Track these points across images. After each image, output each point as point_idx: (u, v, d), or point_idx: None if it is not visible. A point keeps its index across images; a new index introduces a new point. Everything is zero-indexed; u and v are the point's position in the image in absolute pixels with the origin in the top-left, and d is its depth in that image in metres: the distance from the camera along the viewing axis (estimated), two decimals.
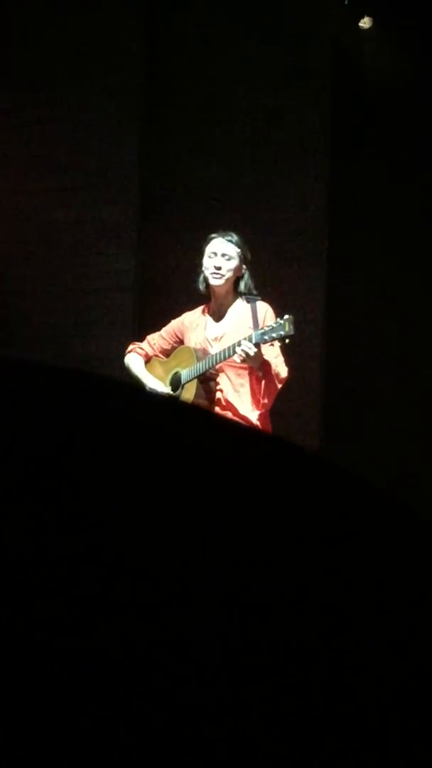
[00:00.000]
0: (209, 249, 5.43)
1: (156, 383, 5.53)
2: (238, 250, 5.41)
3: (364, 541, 1.01)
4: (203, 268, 5.43)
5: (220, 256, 5.38)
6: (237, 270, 5.41)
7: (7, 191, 7.37)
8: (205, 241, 5.48)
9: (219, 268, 5.37)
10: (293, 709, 0.96)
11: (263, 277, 5.66)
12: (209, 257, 5.41)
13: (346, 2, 7.62)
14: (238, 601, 0.97)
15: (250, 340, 5.05)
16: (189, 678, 0.95)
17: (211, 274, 5.38)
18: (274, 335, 5.03)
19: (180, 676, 0.95)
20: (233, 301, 5.46)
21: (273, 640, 0.97)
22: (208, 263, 5.40)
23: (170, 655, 0.96)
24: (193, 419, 1.06)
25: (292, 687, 0.97)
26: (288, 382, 5.35)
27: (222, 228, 5.59)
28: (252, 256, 5.51)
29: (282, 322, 5.03)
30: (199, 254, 5.49)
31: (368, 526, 1.02)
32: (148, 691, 0.94)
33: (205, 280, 5.43)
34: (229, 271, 5.38)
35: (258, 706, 0.96)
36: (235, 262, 5.40)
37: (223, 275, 5.37)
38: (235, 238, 5.44)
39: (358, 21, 7.70)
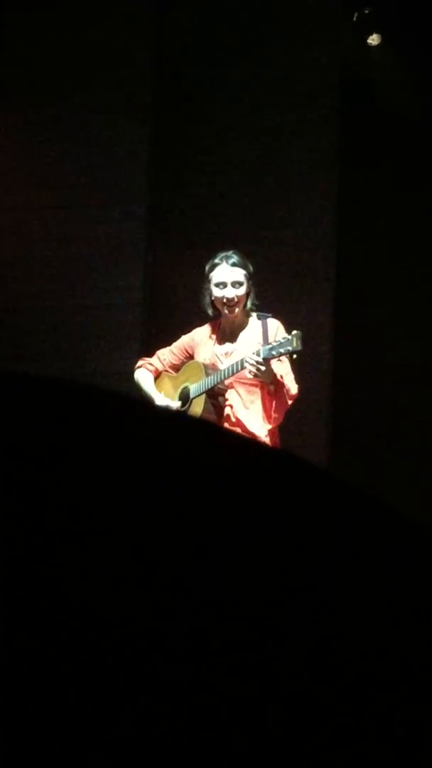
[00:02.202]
0: (216, 277, 5.34)
1: (165, 402, 5.51)
2: (244, 272, 5.36)
3: (370, 554, 1.01)
4: (212, 297, 5.38)
5: (231, 286, 5.33)
6: (246, 290, 5.38)
7: (16, 207, 7.38)
8: (209, 266, 5.42)
9: (232, 299, 5.33)
10: (291, 710, 0.97)
11: (270, 294, 5.64)
12: (218, 287, 5.34)
13: (355, 19, 7.64)
14: (241, 609, 0.97)
15: (258, 355, 5.03)
16: (191, 683, 0.96)
17: (224, 306, 5.33)
18: (281, 350, 5.01)
19: (183, 682, 0.96)
20: (244, 318, 5.43)
21: (275, 646, 0.97)
22: (219, 294, 5.33)
23: (173, 660, 0.96)
24: (199, 433, 1.07)
25: (290, 687, 0.97)
26: (296, 397, 5.34)
27: (227, 246, 5.55)
28: (260, 273, 5.48)
29: (290, 337, 5.01)
30: (205, 278, 5.44)
31: (374, 541, 1.02)
32: (148, 694, 0.95)
33: (212, 303, 5.39)
34: (241, 297, 5.35)
35: (258, 706, 0.96)
36: (245, 287, 5.36)
37: (237, 303, 5.35)
38: (238, 260, 5.36)
39: (367, 38, 7.71)
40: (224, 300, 5.32)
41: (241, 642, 0.97)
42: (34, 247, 7.35)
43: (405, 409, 7.50)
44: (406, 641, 1.00)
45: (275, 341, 5.08)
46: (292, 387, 5.26)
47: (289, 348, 4.99)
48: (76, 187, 7.34)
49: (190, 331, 5.64)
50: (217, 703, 0.97)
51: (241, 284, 5.33)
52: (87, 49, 7.30)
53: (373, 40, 7.72)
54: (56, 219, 7.33)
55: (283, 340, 5.03)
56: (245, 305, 5.40)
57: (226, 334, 5.47)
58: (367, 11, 7.65)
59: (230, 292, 5.32)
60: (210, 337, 5.50)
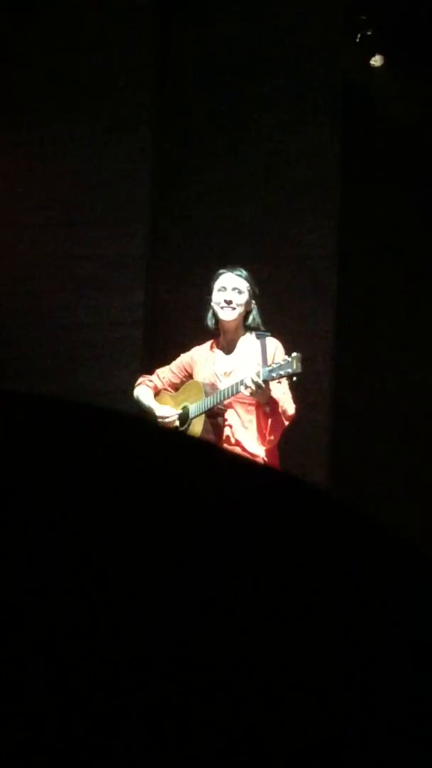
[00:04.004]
0: (219, 283, 5.42)
1: (165, 409, 5.52)
2: (248, 285, 5.41)
3: (368, 576, 1.01)
4: (213, 303, 5.43)
5: (231, 290, 5.38)
6: (247, 304, 5.41)
7: (18, 225, 7.39)
8: (214, 276, 5.48)
9: (230, 302, 5.36)
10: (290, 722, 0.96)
11: (272, 313, 5.65)
12: (219, 291, 5.40)
13: (358, 40, 7.66)
14: (238, 628, 0.96)
15: (258, 376, 5.04)
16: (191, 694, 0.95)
17: (222, 308, 5.37)
18: (281, 372, 5.01)
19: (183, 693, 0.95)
20: (242, 335, 5.46)
21: (274, 665, 0.97)
22: (218, 297, 5.39)
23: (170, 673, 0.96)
24: (197, 452, 1.06)
25: (287, 708, 0.96)
26: (297, 417, 5.34)
27: (232, 262, 5.59)
28: (262, 292, 5.52)
29: (290, 359, 5.01)
30: (209, 290, 5.48)
31: (371, 561, 1.02)
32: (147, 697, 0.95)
33: (215, 315, 5.43)
34: (239, 305, 5.38)
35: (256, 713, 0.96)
36: (245, 297, 5.40)
37: (234, 309, 5.37)
38: (244, 272, 5.44)
39: (370, 59, 7.73)
40: (222, 303, 5.36)
41: (240, 659, 0.97)
42: (35, 265, 7.36)
43: (407, 428, 7.50)
44: (406, 662, 1.00)
45: (275, 363, 5.08)
46: (289, 407, 5.26)
47: (290, 370, 5.00)
48: (77, 206, 7.35)
49: (190, 350, 5.65)
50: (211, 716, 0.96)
51: (241, 292, 5.38)
52: (90, 69, 7.32)
53: (376, 61, 7.74)
54: (57, 237, 7.34)
55: (283, 362, 5.03)
56: (245, 320, 5.42)
57: (225, 351, 5.48)
58: (369, 32, 7.68)
59: (229, 295, 5.36)
60: (209, 355, 5.52)
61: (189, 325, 6.65)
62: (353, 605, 1.01)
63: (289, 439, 5.48)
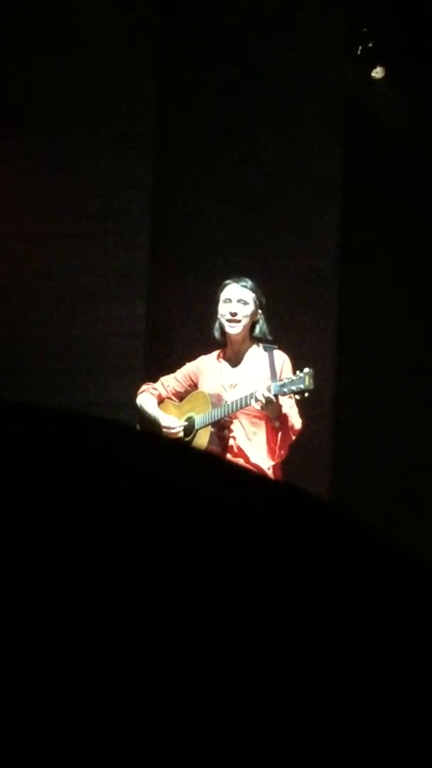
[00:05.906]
0: (224, 295, 5.41)
1: (170, 419, 5.51)
2: (254, 295, 5.40)
3: (369, 587, 1.01)
4: (219, 315, 5.42)
5: (236, 302, 5.37)
6: (253, 315, 5.41)
7: (19, 237, 7.40)
8: (220, 287, 5.47)
9: (235, 315, 5.36)
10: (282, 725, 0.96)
11: (273, 326, 5.65)
12: (225, 303, 5.39)
13: (359, 52, 7.67)
14: (239, 636, 0.96)
15: (268, 391, 5.03)
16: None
17: (228, 320, 5.37)
18: (293, 388, 5.01)
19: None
20: (250, 347, 5.45)
21: (275, 675, 0.97)
22: (224, 309, 5.39)
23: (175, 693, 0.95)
24: (201, 464, 1.06)
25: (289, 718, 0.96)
26: (300, 432, 5.34)
27: (234, 274, 5.59)
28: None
29: (302, 375, 5.01)
30: (213, 302, 5.48)
31: (374, 573, 1.02)
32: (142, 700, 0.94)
33: (221, 327, 5.43)
34: (245, 316, 5.37)
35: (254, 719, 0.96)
36: (251, 308, 5.39)
37: (240, 321, 5.36)
38: (249, 283, 5.43)
39: (371, 70, 7.75)
40: (227, 315, 5.35)
41: (240, 665, 0.97)
42: (36, 277, 7.37)
43: (408, 440, 7.49)
44: (404, 671, 1.00)
45: (287, 378, 5.08)
46: (296, 422, 5.25)
47: (302, 386, 4.99)
48: (78, 217, 7.36)
49: (192, 360, 5.65)
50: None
51: (246, 303, 5.37)
52: (90, 80, 7.34)
53: (377, 73, 7.75)
54: (59, 249, 7.35)
55: (295, 378, 5.02)
56: (252, 331, 5.41)
57: (231, 362, 5.48)
58: (370, 44, 7.69)
59: (234, 307, 5.35)
60: (215, 366, 5.51)
61: (190, 336, 6.65)
62: (353, 614, 1.01)
63: (290, 450, 5.48)
